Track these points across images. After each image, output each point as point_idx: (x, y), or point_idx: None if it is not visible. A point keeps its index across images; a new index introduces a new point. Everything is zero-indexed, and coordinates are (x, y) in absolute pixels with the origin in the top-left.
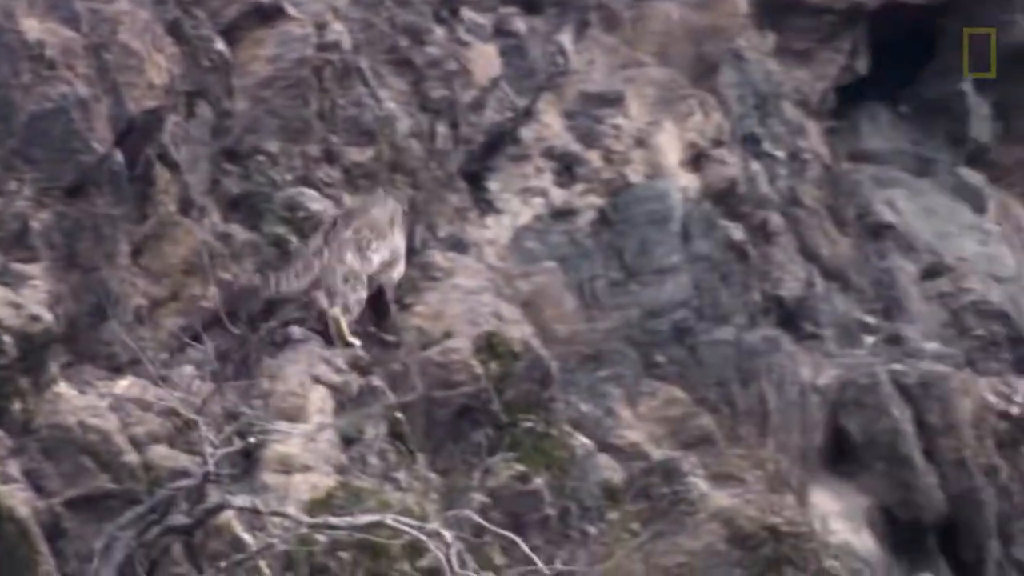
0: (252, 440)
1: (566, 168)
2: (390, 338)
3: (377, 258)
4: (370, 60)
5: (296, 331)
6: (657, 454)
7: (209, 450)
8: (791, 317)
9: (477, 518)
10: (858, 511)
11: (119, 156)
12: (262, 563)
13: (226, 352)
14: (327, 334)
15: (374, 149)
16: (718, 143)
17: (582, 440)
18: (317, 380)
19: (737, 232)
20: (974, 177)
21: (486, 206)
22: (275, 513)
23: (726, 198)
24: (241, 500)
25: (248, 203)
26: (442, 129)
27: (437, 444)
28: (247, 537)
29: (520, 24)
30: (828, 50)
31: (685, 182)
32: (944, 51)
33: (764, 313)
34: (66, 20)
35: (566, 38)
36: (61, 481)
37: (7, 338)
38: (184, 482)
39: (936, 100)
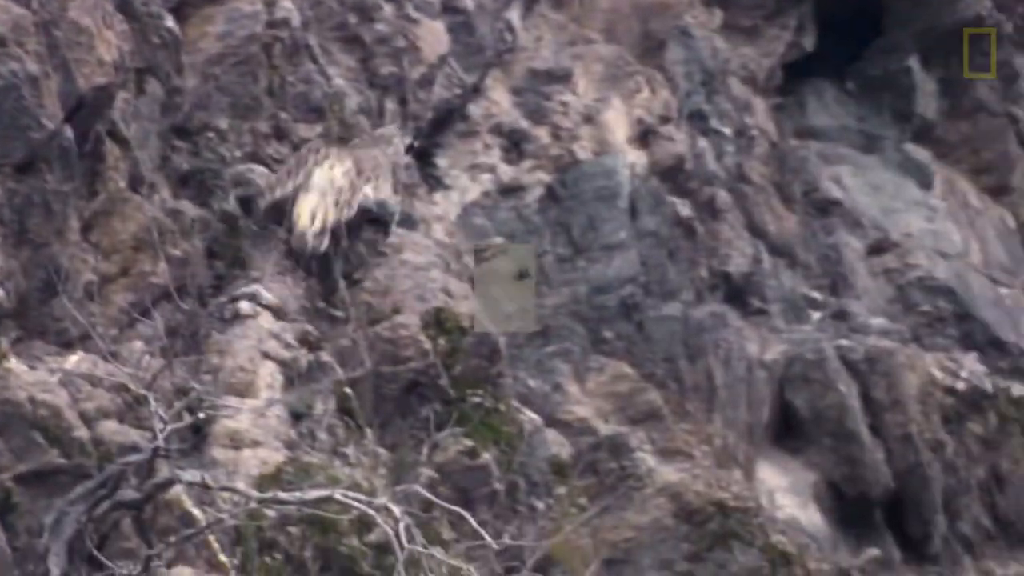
0: (201, 415)
1: (514, 145)
2: (339, 313)
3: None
4: (319, 37)
5: (245, 306)
6: (605, 429)
7: (159, 425)
8: (738, 293)
9: (425, 493)
10: (805, 486)
11: (69, 132)
12: (211, 538)
13: (176, 328)
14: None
15: (323, 125)
16: (665, 120)
17: (530, 415)
18: (266, 356)
19: (684, 208)
20: (920, 153)
21: (434, 182)
22: (224, 488)
23: (673, 175)
24: (190, 475)
25: (198, 179)
26: (391, 106)
27: (386, 419)
28: (197, 512)
29: (468, 1)
30: (774, 27)
31: (633, 159)
32: (890, 28)
33: (711, 289)
34: None
35: (514, 15)
36: (11, 456)
37: None
38: (134, 457)
39: (882, 77)
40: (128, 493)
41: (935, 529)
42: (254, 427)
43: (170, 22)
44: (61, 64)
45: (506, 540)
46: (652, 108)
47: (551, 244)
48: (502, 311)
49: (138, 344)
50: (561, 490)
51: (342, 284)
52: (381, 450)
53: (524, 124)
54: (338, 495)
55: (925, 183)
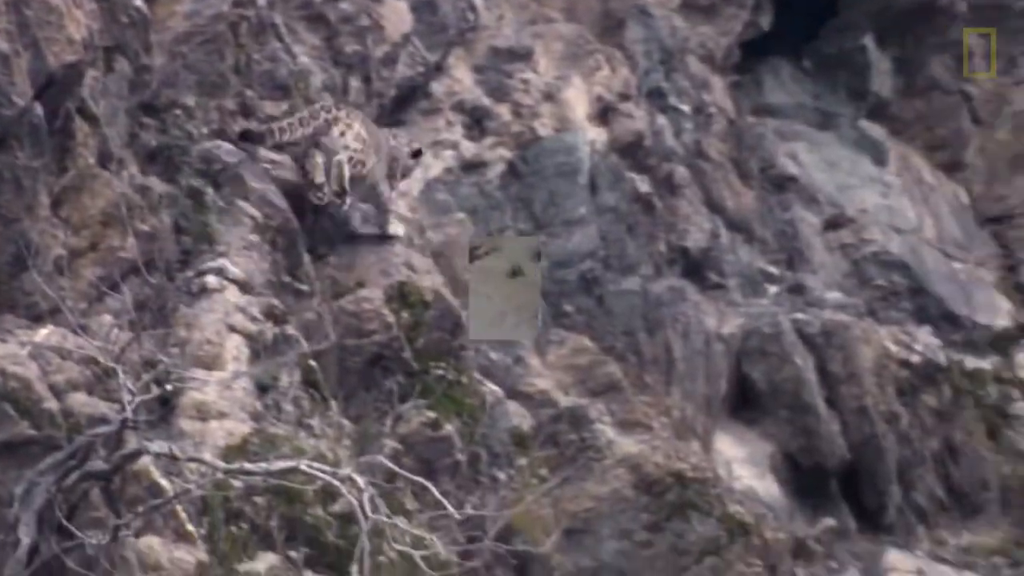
0: (169, 388)
1: (476, 122)
2: (304, 287)
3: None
4: (284, 16)
5: (212, 280)
6: (565, 401)
7: (127, 397)
8: (696, 267)
9: (389, 464)
10: (762, 457)
11: (39, 109)
12: (179, 508)
13: (144, 301)
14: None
15: (289, 103)
16: (625, 97)
17: (492, 388)
18: (232, 329)
19: (643, 184)
20: (875, 130)
21: None
22: (192, 459)
23: (633, 151)
24: (158, 446)
25: (165, 156)
26: (355, 83)
27: (350, 391)
28: (164, 482)
29: None
30: (732, 6)
31: (593, 135)
32: (845, 7)
33: (670, 264)
34: None
35: None
36: None
37: None
38: (103, 429)
39: (837, 55)
40: (97, 464)
41: (890, 499)
42: (221, 399)
43: (138, 1)
44: (31, 42)
45: (468, 510)
46: (612, 86)
47: (512, 219)
48: (464, 285)
49: (107, 317)
50: (522, 461)
51: (307, 259)
52: (345, 422)
53: (486, 101)
54: (303, 466)
55: (880, 160)
